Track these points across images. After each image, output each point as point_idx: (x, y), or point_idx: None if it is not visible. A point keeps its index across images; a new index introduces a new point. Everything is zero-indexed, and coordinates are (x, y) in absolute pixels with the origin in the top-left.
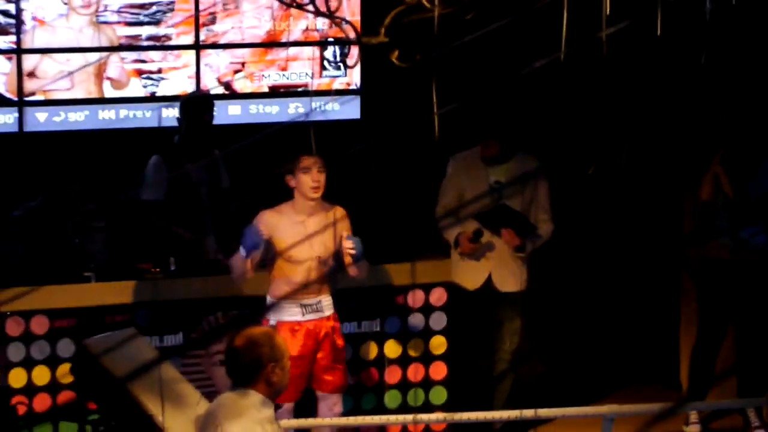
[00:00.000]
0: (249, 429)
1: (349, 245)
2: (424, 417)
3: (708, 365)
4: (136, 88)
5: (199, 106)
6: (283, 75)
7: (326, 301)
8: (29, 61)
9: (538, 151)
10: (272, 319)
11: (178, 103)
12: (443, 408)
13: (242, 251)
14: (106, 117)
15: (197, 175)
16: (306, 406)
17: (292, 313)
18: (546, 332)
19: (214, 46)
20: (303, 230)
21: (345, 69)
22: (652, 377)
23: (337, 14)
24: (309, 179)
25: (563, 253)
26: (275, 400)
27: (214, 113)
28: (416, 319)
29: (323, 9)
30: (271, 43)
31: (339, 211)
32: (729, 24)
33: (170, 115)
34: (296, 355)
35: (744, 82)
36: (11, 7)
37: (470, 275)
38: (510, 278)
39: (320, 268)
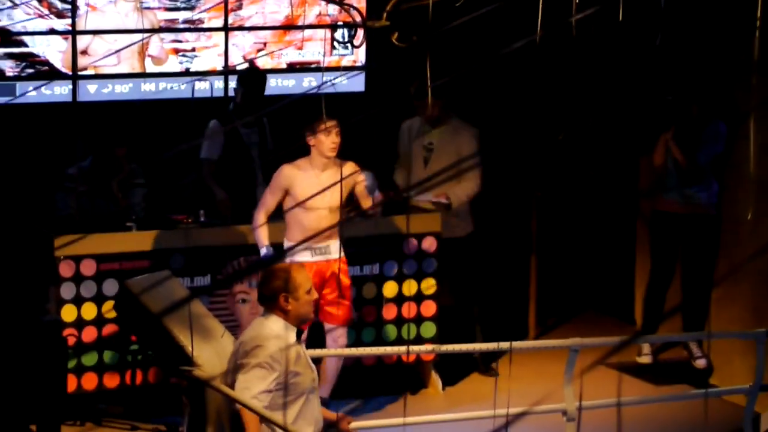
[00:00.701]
0: (264, 348)
1: (360, 178)
2: (416, 348)
3: (658, 304)
4: (174, 64)
5: (255, 79)
6: (299, 53)
7: (334, 246)
8: (82, 41)
9: (517, 119)
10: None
11: (209, 77)
12: (432, 340)
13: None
14: (148, 89)
15: (248, 138)
16: (319, 340)
17: (302, 255)
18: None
19: (241, 28)
20: (318, 182)
21: (352, 49)
22: (611, 311)
23: (346, 1)
24: (328, 140)
25: (542, 205)
26: (299, 325)
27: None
28: (410, 264)
29: None
30: (289, 26)
31: (350, 166)
32: (681, 12)
33: (202, 87)
34: None
35: (693, 65)
36: None
37: None
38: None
39: (330, 217)
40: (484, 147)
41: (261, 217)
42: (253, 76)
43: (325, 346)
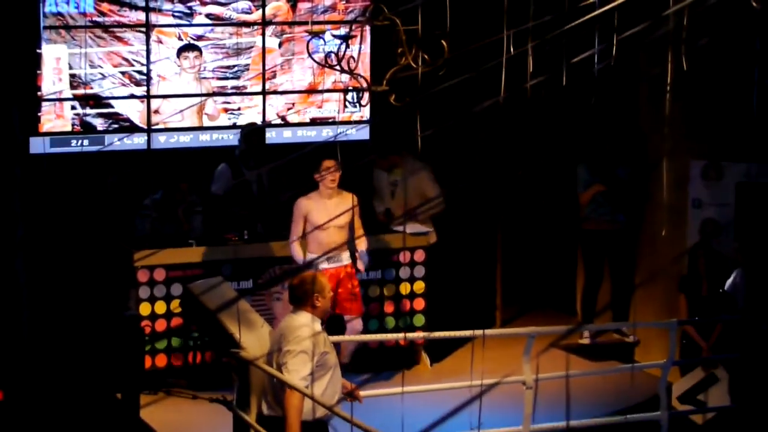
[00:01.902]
0: (300, 337)
1: (360, 266)
2: (411, 335)
3: (592, 301)
4: (224, 120)
5: (253, 134)
6: (319, 111)
7: (344, 255)
8: (155, 103)
9: (488, 161)
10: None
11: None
12: (422, 329)
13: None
14: (205, 139)
15: (249, 178)
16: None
17: (321, 263)
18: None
19: (275, 92)
20: (326, 208)
21: (359, 107)
22: (558, 307)
23: (355, 71)
24: (328, 177)
25: (506, 225)
26: (323, 318)
27: (266, 137)
28: (405, 270)
29: (346, 68)
30: (311, 90)
31: (349, 195)
32: (610, 79)
33: None
34: None
35: (618, 119)
36: (144, 69)
37: None
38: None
39: (339, 233)
40: (454, 180)
41: (295, 244)
42: (253, 133)
43: (344, 333)
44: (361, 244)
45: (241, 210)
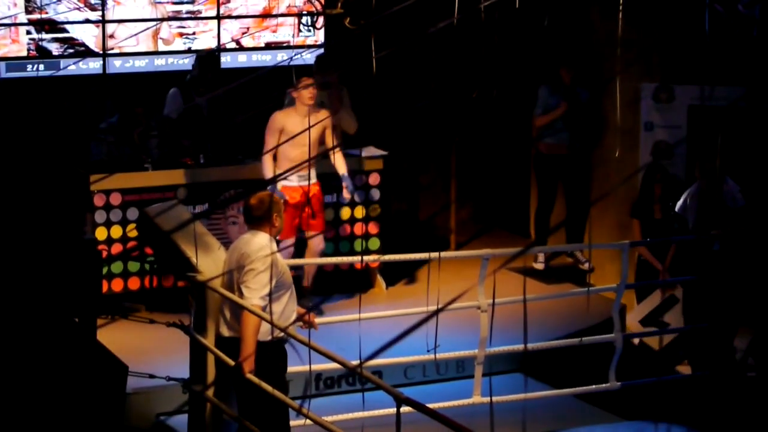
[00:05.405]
0: (262, 256)
1: (346, 194)
2: (366, 257)
3: (545, 222)
4: (179, 44)
5: (207, 62)
6: (274, 35)
7: (312, 173)
8: (110, 28)
9: (443, 82)
10: (277, 186)
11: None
12: (377, 252)
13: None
14: (160, 63)
15: (200, 103)
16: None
17: (290, 180)
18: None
19: (229, 16)
20: (302, 125)
21: (314, 31)
22: (512, 229)
23: None
24: (307, 92)
25: (460, 147)
26: (277, 237)
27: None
28: (360, 193)
29: None
30: (266, 14)
31: (323, 113)
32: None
33: None
34: (292, 206)
35: (570, 40)
36: None
37: None
38: None
39: (311, 151)
40: (408, 103)
41: (267, 157)
42: (207, 60)
43: (305, 253)
44: (341, 167)
45: (190, 136)
